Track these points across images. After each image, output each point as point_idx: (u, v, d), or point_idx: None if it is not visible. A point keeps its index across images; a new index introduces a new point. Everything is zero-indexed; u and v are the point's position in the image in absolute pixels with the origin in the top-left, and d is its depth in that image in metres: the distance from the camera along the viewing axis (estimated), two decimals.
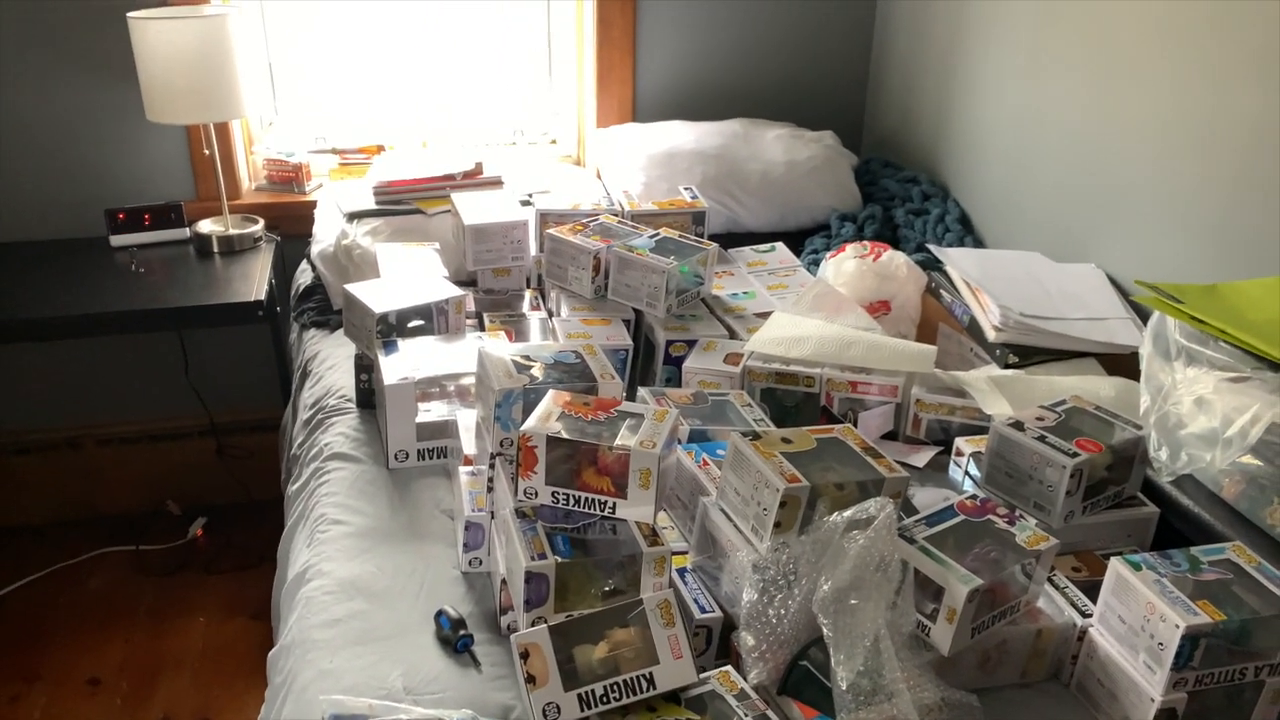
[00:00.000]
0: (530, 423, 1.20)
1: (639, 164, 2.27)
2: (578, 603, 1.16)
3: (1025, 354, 1.63)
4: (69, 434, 2.62)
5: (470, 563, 1.37)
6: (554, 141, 2.71)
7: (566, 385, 1.32)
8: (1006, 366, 1.62)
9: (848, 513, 1.09)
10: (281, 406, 2.33)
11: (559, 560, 1.14)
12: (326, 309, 2.10)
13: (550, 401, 1.25)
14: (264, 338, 2.44)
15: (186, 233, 2.32)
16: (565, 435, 1.17)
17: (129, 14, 2.09)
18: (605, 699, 1.02)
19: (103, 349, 2.55)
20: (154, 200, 2.36)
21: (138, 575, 2.49)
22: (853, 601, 1.04)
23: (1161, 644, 1.06)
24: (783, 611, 1.08)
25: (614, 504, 1.18)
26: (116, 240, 2.29)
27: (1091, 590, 1.20)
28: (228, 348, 2.58)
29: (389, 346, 1.66)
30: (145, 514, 2.68)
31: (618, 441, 1.17)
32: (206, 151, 2.30)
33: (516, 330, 1.83)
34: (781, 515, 1.11)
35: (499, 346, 1.41)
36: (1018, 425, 1.32)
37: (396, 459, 1.59)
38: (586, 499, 1.18)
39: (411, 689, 1.17)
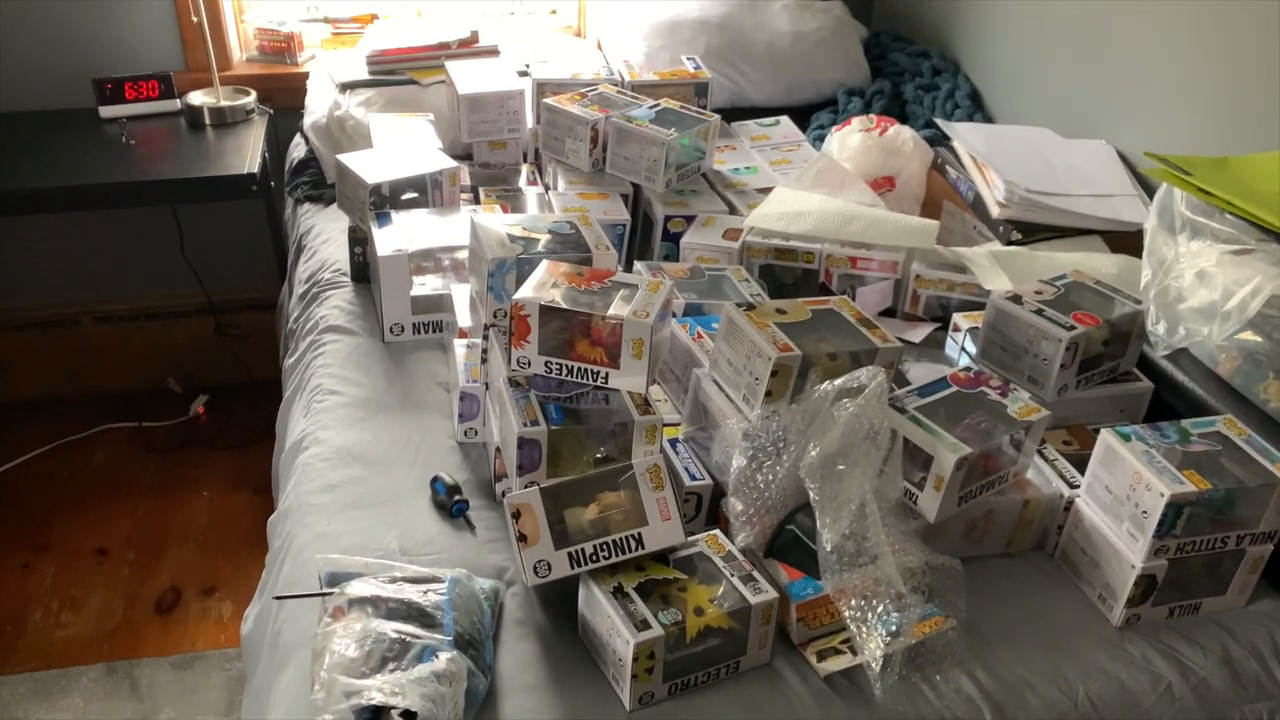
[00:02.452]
0: (523, 292, 1.18)
1: (640, 33, 2.19)
2: (569, 469, 1.17)
3: (1029, 231, 1.60)
4: (67, 311, 2.62)
5: (465, 433, 1.38)
6: (553, 11, 2.62)
7: (561, 256, 1.30)
8: (1010, 243, 1.59)
9: (838, 381, 1.08)
10: (278, 284, 2.32)
11: (551, 427, 1.14)
12: (320, 183, 2.06)
13: (544, 271, 1.23)
14: (259, 214, 2.41)
15: (177, 104, 2.27)
16: (559, 304, 1.16)
17: None
18: (595, 557, 1.04)
19: (99, 225, 2.52)
20: (143, 70, 2.30)
21: (141, 451, 2.53)
22: (840, 467, 1.05)
23: (1145, 512, 1.07)
24: (770, 478, 1.09)
25: (606, 374, 1.18)
26: (105, 111, 2.24)
27: (1081, 463, 1.20)
28: (223, 225, 2.55)
29: (382, 219, 1.64)
30: (146, 392, 2.69)
31: (611, 311, 1.16)
32: (194, 19, 2.23)
33: (512, 205, 1.80)
34: (773, 384, 1.11)
35: (493, 218, 1.39)
36: (1015, 298, 1.30)
37: (392, 332, 1.59)
38: (579, 369, 1.18)
39: (407, 550, 1.19)
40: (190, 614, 2.07)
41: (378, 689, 0.83)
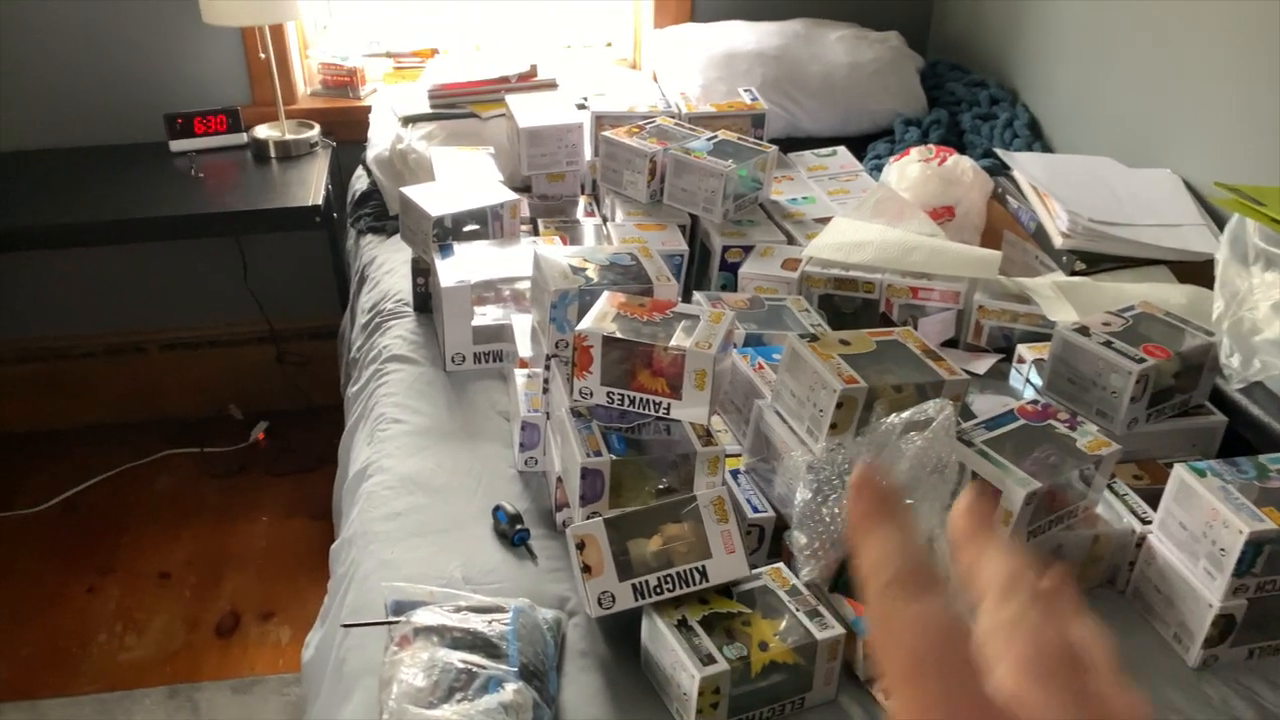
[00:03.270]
0: (586, 323, 1.19)
1: (697, 65, 2.21)
2: (631, 500, 1.17)
3: (1093, 261, 1.58)
4: (134, 339, 2.69)
5: (526, 462, 1.39)
6: (609, 44, 2.65)
7: (621, 287, 1.31)
8: (1073, 274, 1.57)
9: (905, 414, 1.07)
10: (339, 313, 2.36)
11: (614, 458, 1.15)
12: (383, 214, 2.10)
13: (605, 302, 1.24)
14: (321, 245, 2.46)
15: (244, 138, 2.33)
16: (621, 335, 1.17)
17: None
18: (659, 590, 1.04)
19: (165, 255, 2.58)
20: (211, 105, 2.37)
21: (202, 476, 2.57)
22: (908, 502, 1.04)
23: (1223, 550, 1.04)
24: (836, 511, 1.08)
25: (668, 405, 1.18)
26: (176, 145, 2.31)
27: (1153, 498, 1.18)
28: (286, 255, 2.61)
29: (445, 250, 1.66)
30: (208, 418, 2.75)
31: (673, 342, 1.16)
32: (262, 55, 2.29)
33: (570, 236, 1.82)
34: (837, 416, 1.11)
35: (555, 249, 1.41)
36: (1083, 330, 1.28)
37: (453, 361, 1.61)
38: (641, 399, 1.18)
39: (470, 579, 1.20)
40: (249, 638, 2.10)
41: None
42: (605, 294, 1.26)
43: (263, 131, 2.33)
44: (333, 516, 1.73)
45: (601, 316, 1.21)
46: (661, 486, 1.18)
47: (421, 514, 1.31)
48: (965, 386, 1.16)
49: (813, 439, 1.13)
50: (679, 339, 1.17)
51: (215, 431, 2.70)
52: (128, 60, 2.37)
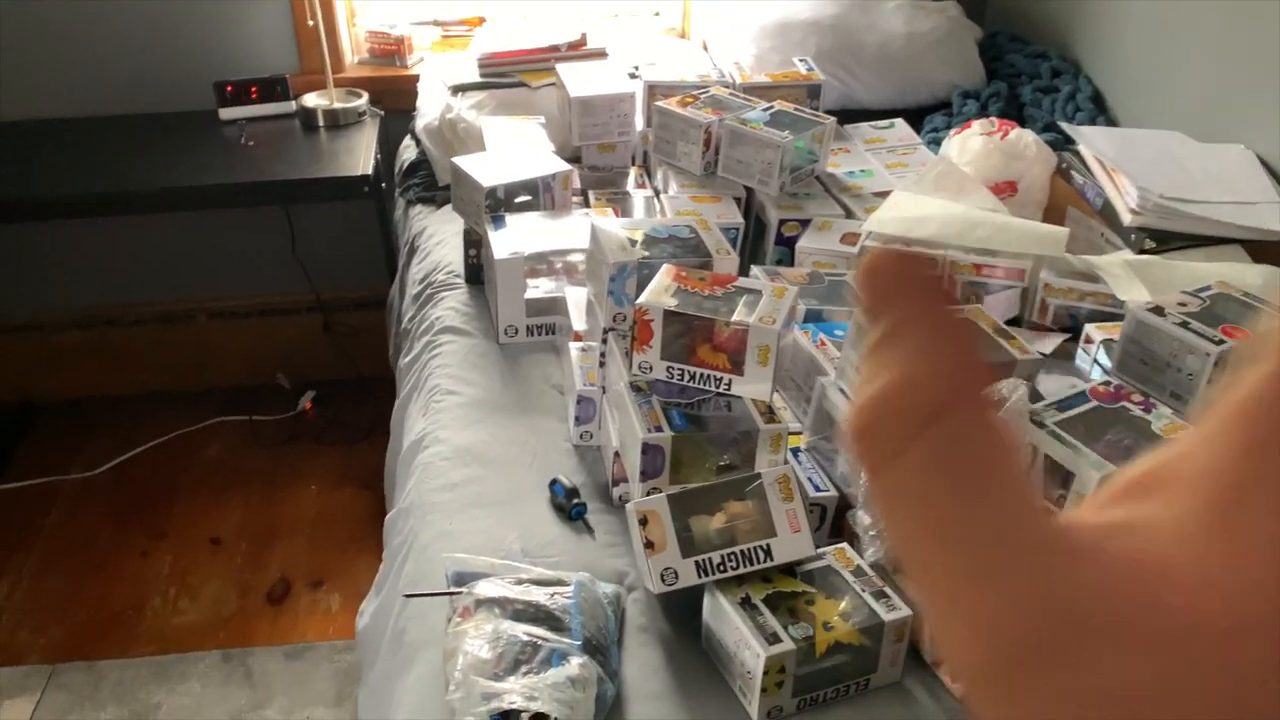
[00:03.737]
0: (646, 296, 1.18)
1: (749, 34, 2.17)
2: (691, 476, 1.16)
3: (1163, 239, 1.53)
4: (183, 307, 2.71)
5: (581, 436, 1.38)
6: (657, 14, 2.61)
7: (680, 260, 1.29)
8: (1142, 252, 1.53)
9: None
10: (386, 283, 2.36)
11: (674, 433, 1.13)
12: (432, 184, 2.09)
13: (665, 276, 1.22)
14: (368, 215, 2.46)
15: (292, 106, 2.32)
16: (682, 309, 1.15)
17: None
18: (722, 567, 1.03)
19: (213, 224, 2.59)
20: (260, 73, 2.37)
21: (251, 444, 2.60)
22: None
23: None
24: None
25: (729, 380, 1.16)
26: (225, 113, 2.31)
27: None
28: (333, 225, 2.61)
29: (497, 221, 1.65)
30: (256, 386, 2.77)
31: (735, 317, 1.14)
32: (310, 22, 2.28)
33: (622, 208, 1.80)
34: None
35: (612, 221, 1.39)
36: (1157, 310, 1.24)
37: (506, 334, 1.60)
38: (702, 374, 1.17)
39: (528, 551, 1.19)
40: (300, 605, 2.12)
41: (517, 693, 0.83)
42: (664, 267, 1.24)
43: (311, 100, 2.32)
44: (384, 487, 1.74)
45: (661, 290, 1.19)
46: (722, 463, 1.17)
47: (478, 485, 1.31)
48: (1037, 366, 1.13)
49: None
50: (741, 314, 1.15)
51: (263, 400, 2.72)
52: (177, 28, 2.37)
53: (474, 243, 1.73)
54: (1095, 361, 1.37)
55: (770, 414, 1.16)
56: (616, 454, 1.25)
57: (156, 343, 2.73)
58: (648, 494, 1.12)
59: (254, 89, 2.30)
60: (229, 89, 2.30)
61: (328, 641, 2.03)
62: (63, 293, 2.65)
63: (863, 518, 1.10)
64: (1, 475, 2.48)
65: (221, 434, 2.63)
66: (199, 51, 2.40)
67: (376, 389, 2.66)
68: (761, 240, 1.70)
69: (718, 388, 1.17)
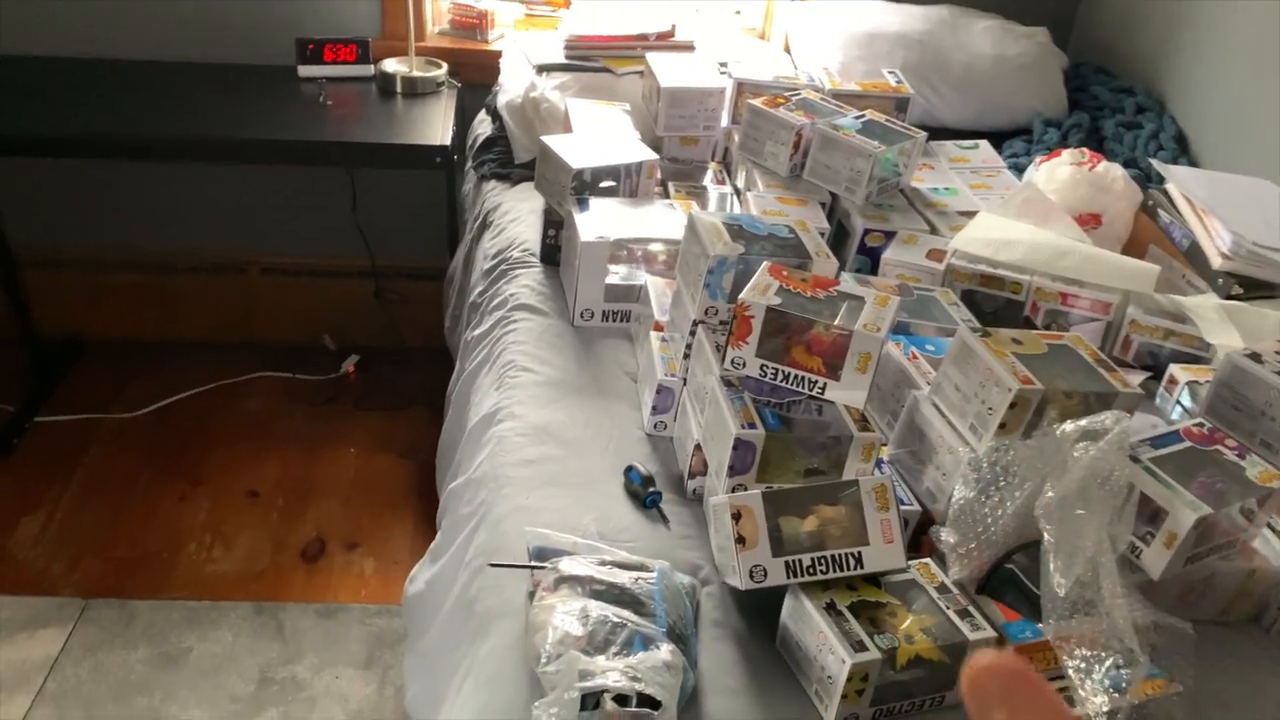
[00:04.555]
0: (748, 293, 1.17)
1: (837, 41, 2.16)
2: (778, 477, 1.16)
3: (1251, 286, 1.52)
4: (236, 259, 2.72)
5: (655, 425, 1.38)
6: (738, 12, 2.60)
7: (779, 259, 1.29)
8: (1229, 298, 1.52)
9: (1082, 422, 1.04)
10: (443, 255, 2.36)
11: (768, 432, 1.13)
12: (508, 161, 2.09)
13: (766, 273, 1.22)
14: (431, 184, 2.46)
15: (372, 70, 2.33)
16: (785, 309, 1.15)
17: None
18: (812, 570, 1.02)
19: (275, 179, 2.60)
20: (341, 34, 2.36)
21: (292, 402, 2.61)
22: (1078, 511, 1.01)
23: None
24: (999, 512, 1.06)
25: (824, 384, 1.16)
26: (304, 71, 2.31)
27: None
28: (395, 192, 2.61)
29: (582, 204, 1.65)
30: (301, 345, 2.78)
31: (838, 321, 1.14)
32: None
33: (700, 202, 1.80)
34: (1008, 416, 1.08)
35: (712, 214, 1.38)
36: (1254, 356, 1.24)
37: (582, 317, 1.60)
38: (796, 376, 1.17)
39: (604, 534, 1.19)
40: (334, 565, 2.13)
41: (619, 672, 0.83)
42: (765, 264, 1.24)
43: (390, 65, 2.32)
44: (436, 457, 1.74)
45: (763, 287, 1.19)
46: (810, 466, 1.17)
47: (554, 464, 1.31)
48: (1138, 400, 1.13)
49: (976, 437, 1.11)
50: (845, 319, 1.15)
51: (307, 359, 2.73)
52: None
53: (554, 223, 1.73)
54: (1178, 403, 1.37)
55: (864, 421, 1.16)
56: (697, 446, 1.25)
57: (207, 292, 2.73)
58: (733, 489, 1.12)
59: (336, 49, 2.30)
60: (310, 47, 2.30)
61: (360, 604, 2.03)
62: (120, 233, 2.65)
63: (947, 535, 1.09)
64: (44, 408, 2.49)
65: (263, 389, 2.64)
66: (284, 7, 2.40)
67: (422, 359, 2.68)
68: (842, 247, 1.70)
69: (810, 390, 1.17)
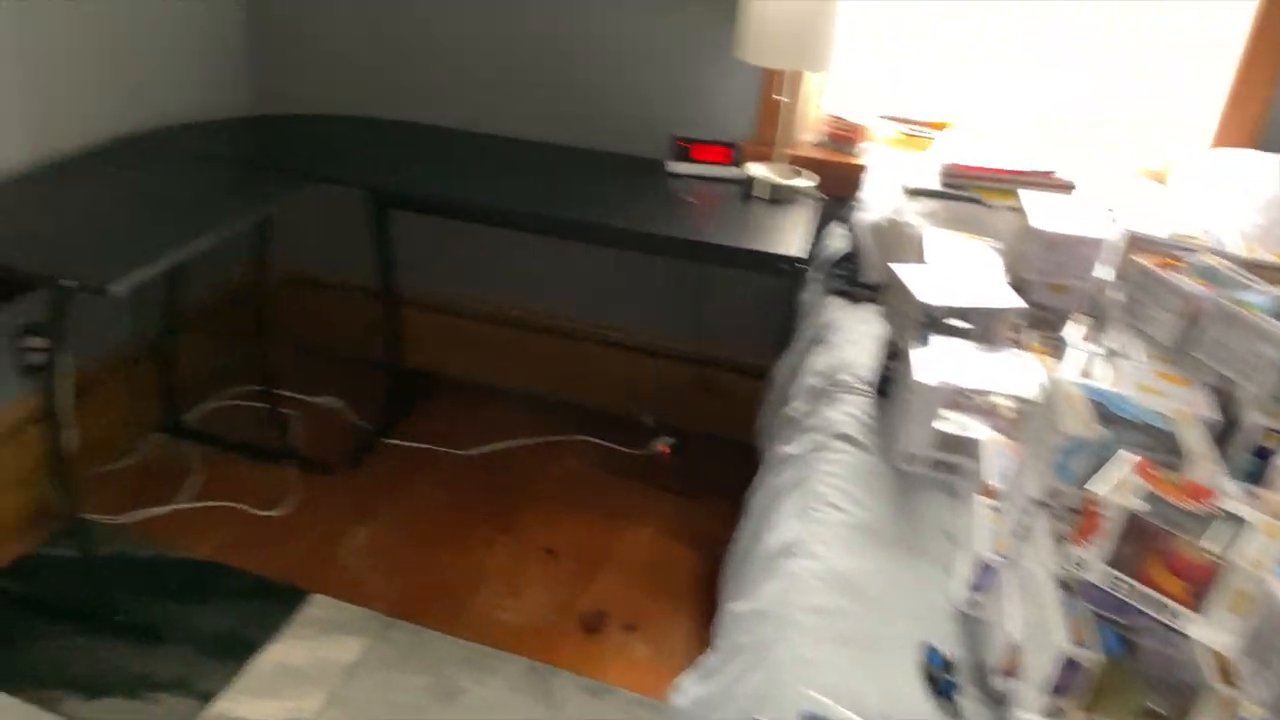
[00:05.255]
0: (1103, 487, 1.03)
1: (1256, 203, 1.91)
2: (1108, 709, 0.99)
3: None
4: (577, 326, 2.88)
5: (970, 604, 1.25)
6: (1133, 151, 2.39)
7: (1148, 454, 1.13)
8: None
9: None
10: (772, 357, 2.35)
11: (1106, 657, 0.98)
12: (855, 279, 2.05)
13: (1127, 467, 1.07)
14: (773, 283, 2.47)
15: (739, 172, 2.38)
16: (1148, 517, 1.00)
17: None
18: None
19: (626, 257, 2.73)
20: (710, 132, 2.45)
21: (604, 469, 2.70)
22: None
23: None
24: None
25: (1184, 616, 0.99)
26: (674, 167, 2.41)
27: None
28: (736, 286, 2.65)
29: (925, 340, 1.56)
30: (620, 416, 2.88)
31: (1212, 545, 0.97)
32: (777, 97, 2.33)
33: (1057, 356, 1.63)
34: None
35: (1073, 383, 1.25)
36: None
37: (905, 461, 1.50)
38: (1149, 597, 1.00)
39: (887, 717, 1.08)
40: (610, 642, 2.15)
41: None
42: (1127, 456, 1.09)
43: (757, 170, 2.37)
44: (725, 564, 1.70)
45: (1123, 484, 1.04)
46: (1149, 706, 0.99)
47: (848, 620, 1.22)
48: None
49: None
50: (1221, 543, 0.97)
51: (624, 430, 2.82)
52: (640, 75, 2.53)
53: (894, 355, 1.65)
54: None
55: (1227, 674, 0.97)
56: (1014, 645, 1.11)
57: (549, 351, 2.92)
58: (1053, 712, 0.98)
59: (708, 149, 2.39)
60: (682, 144, 2.40)
61: (628, 690, 2.03)
62: (483, 286, 2.91)
63: None
64: (393, 431, 2.77)
65: (580, 451, 2.76)
66: (663, 105, 2.54)
67: (733, 453, 2.67)
68: (1229, 442, 1.46)
69: (1163, 618, 1.00)
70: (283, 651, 2.04)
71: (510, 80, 2.63)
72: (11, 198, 2.06)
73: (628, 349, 2.86)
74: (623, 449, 2.77)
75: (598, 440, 2.80)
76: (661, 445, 2.75)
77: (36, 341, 2.23)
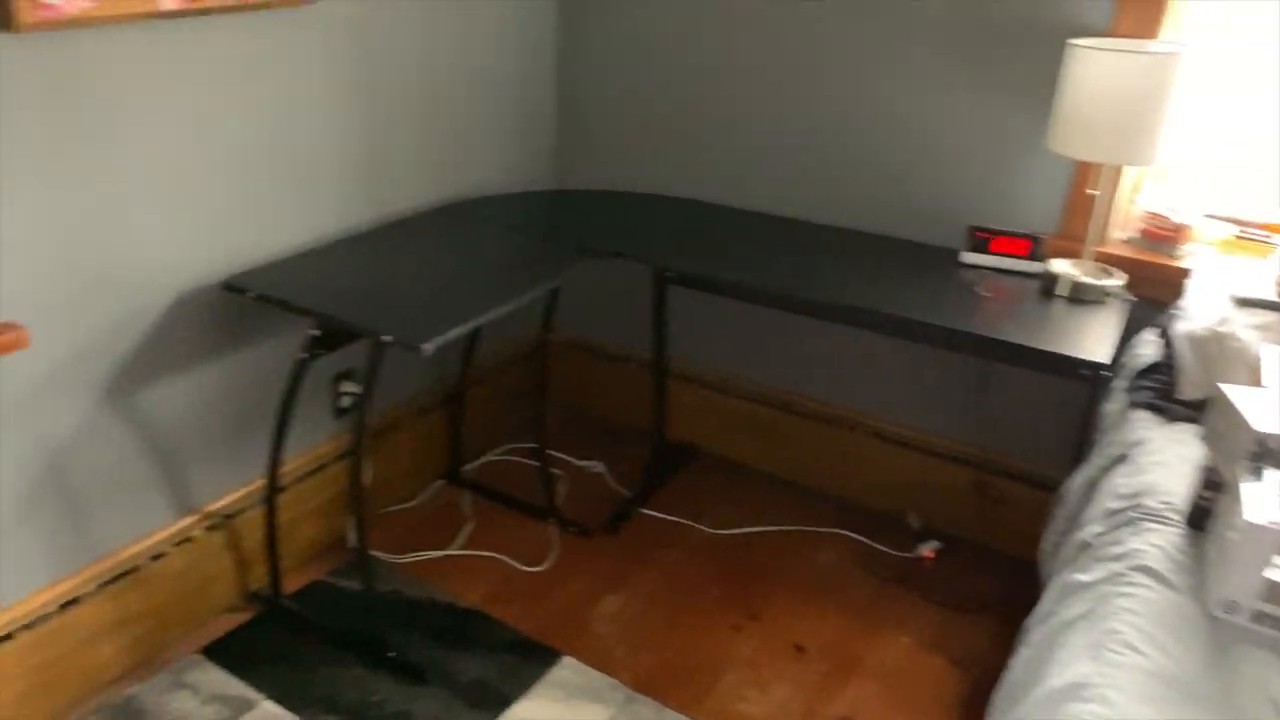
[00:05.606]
0: None
1: None
2: None
3: None
4: (848, 415, 2.78)
5: None
6: None
7: None
8: None
9: None
10: (1062, 469, 2.15)
11: None
12: (1169, 394, 1.84)
13: None
14: (1069, 390, 2.28)
15: (1039, 267, 2.24)
16: None
17: (1070, 40, 2.03)
18: None
19: (901, 347, 2.62)
20: (1011, 223, 2.32)
21: (861, 568, 2.57)
22: None
23: None
24: None
25: None
26: (968, 258, 2.30)
27: None
28: (1027, 388, 2.47)
29: (1257, 473, 1.36)
30: (884, 513, 2.75)
31: None
32: (1089, 191, 2.18)
33: None
34: None
35: None
36: None
37: (1224, 609, 1.30)
38: None
39: None
40: None
41: None
42: None
43: (1059, 266, 2.20)
44: (995, 689, 1.55)
45: None
46: None
47: None
48: None
49: None
50: None
51: (886, 530, 2.69)
52: (941, 160, 2.44)
53: (1213, 484, 1.45)
54: None
55: None
56: None
57: (812, 438, 2.85)
58: None
59: (1007, 241, 2.26)
60: (981, 235, 2.29)
61: None
62: (752, 366, 2.90)
63: None
64: (651, 501, 2.79)
65: (837, 545, 2.66)
66: (959, 190, 2.44)
67: (1005, 567, 2.48)
68: None
69: None
70: (532, 709, 2.09)
71: (802, 161, 2.63)
72: (352, 253, 2.31)
73: (899, 443, 2.74)
74: (883, 549, 2.63)
75: (857, 536, 2.68)
76: (927, 550, 2.59)
77: (349, 386, 2.47)
